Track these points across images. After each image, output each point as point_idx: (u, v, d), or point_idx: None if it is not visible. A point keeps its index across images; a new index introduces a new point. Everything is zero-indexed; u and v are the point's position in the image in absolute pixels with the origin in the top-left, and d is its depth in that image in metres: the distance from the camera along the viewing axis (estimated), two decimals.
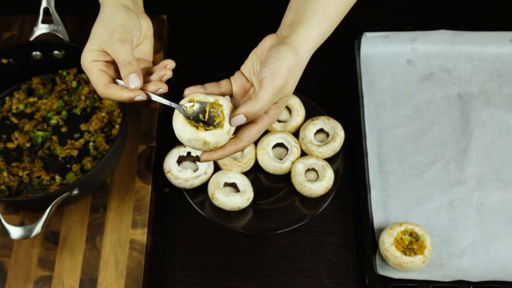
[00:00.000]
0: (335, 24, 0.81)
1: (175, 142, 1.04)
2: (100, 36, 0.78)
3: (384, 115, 1.09)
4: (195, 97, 0.75)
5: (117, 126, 1.02)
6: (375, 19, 1.19)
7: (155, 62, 1.11)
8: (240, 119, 0.73)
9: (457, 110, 1.09)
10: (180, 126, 0.74)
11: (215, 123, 0.74)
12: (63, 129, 1.03)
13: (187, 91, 0.76)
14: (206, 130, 0.74)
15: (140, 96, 0.76)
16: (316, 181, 0.99)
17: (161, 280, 0.97)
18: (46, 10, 1.05)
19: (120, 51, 0.77)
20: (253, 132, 0.76)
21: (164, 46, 1.14)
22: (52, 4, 1.05)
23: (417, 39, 1.14)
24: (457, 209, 1.00)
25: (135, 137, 1.04)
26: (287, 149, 1.03)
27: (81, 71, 1.05)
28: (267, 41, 0.79)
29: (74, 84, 1.06)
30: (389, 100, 1.10)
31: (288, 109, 1.06)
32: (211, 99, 0.75)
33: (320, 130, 1.05)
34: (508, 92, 1.11)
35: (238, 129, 0.76)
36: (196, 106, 0.75)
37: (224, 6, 1.21)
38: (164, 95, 0.79)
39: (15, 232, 0.88)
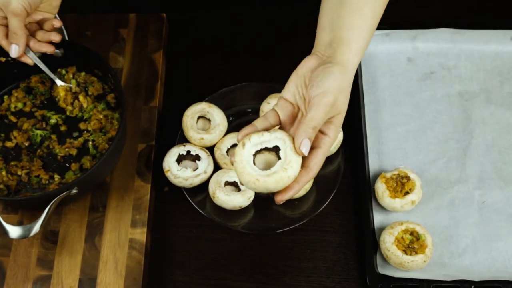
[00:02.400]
0: (370, 38, 0.81)
1: (175, 141, 1.04)
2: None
3: (385, 113, 1.08)
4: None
5: (116, 124, 1.01)
6: None
7: (154, 61, 1.11)
8: (307, 144, 0.72)
9: (458, 109, 1.09)
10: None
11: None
12: (62, 128, 1.03)
13: (240, 135, 0.75)
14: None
15: (27, 62, 0.94)
16: None
17: (160, 279, 0.96)
18: None
19: (11, 21, 0.89)
20: (320, 157, 0.74)
21: (164, 44, 1.14)
22: None
23: (418, 37, 1.13)
24: (458, 208, 1.00)
25: (135, 136, 1.04)
26: None
27: (80, 69, 1.05)
28: (309, 63, 0.77)
29: (73, 82, 1.05)
30: (390, 99, 1.10)
31: None
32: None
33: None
34: (509, 90, 1.10)
35: (304, 158, 0.74)
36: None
37: (224, 4, 1.21)
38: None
39: (14, 231, 0.87)
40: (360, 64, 1.11)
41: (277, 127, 0.77)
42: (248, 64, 1.15)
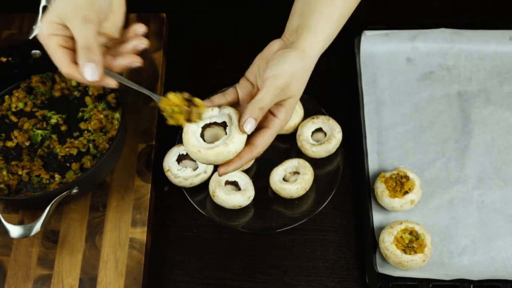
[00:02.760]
0: (339, 28, 0.82)
1: (175, 141, 1.04)
2: (63, 8, 0.70)
3: (384, 113, 1.08)
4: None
5: (116, 124, 1.02)
6: (375, 17, 1.19)
7: (154, 61, 1.11)
8: (251, 122, 0.73)
9: (457, 109, 1.09)
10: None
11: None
12: (63, 128, 1.03)
13: None
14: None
15: (111, 84, 0.71)
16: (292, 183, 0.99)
17: (160, 279, 0.97)
18: (46, 8, 1.04)
19: (81, 32, 0.69)
20: (266, 137, 0.76)
21: (164, 44, 1.14)
22: (52, 2, 1.04)
23: (417, 37, 1.13)
24: (458, 207, 1.00)
25: (135, 136, 1.04)
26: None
27: None
28: (274, 46, 0.79)
29: (73, 82, 1.05)
30: (389, 99, 1.10)
31: None
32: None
33: (320, 130, 1.05)
34: (508, 90, 1.10)
35: (251, 136, 0.76)
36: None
37: (224, 4, 1.21)
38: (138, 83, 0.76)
39: (15, 230, 0.88)
40: (360, 64, 1.11)
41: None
42: (248, 64, 1.14)
